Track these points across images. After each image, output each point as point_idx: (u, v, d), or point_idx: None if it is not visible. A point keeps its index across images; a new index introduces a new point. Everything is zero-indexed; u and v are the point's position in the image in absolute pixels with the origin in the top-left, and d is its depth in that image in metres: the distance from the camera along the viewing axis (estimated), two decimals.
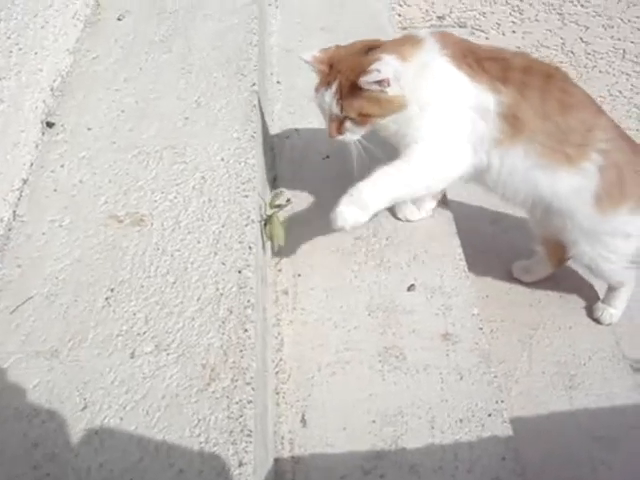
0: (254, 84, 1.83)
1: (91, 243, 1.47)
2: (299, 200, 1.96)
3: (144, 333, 1.31)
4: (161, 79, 1.88)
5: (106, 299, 1.37)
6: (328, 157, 2.08)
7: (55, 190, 1.59)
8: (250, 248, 1.44)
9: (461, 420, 1.53)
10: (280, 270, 1.80)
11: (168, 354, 1.28)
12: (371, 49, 1.68)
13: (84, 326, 1.33)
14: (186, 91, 1.83)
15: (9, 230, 1.51)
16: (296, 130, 2.16)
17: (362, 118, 1.67)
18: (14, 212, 1.54)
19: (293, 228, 1.87)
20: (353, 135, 1.71)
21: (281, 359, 1.63)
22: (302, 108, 2.25)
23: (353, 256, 1.83)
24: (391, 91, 1.62)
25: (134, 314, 1.34)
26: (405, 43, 1.70)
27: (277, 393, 1.57)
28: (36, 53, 1.73)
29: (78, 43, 2.02)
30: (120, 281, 1.40)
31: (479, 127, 1.70)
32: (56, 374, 1.27)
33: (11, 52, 1.60)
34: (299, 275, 1.79)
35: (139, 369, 1.26)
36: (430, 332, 1.69)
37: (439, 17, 3.35)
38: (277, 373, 1.60)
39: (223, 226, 1.49)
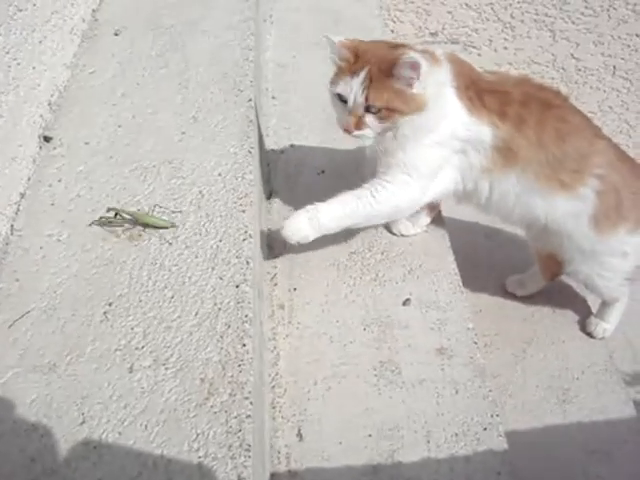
0: (250, 99, 1.84)
1: (89, 257, 1.48)
2: None
3: (142, 347, 1.32)
4: (158, 94, 1.89)
5: (104, 313, 1.37)
6: (323, 172, 2.09)
7: (52, 204, 1.59)
8: (247, 263, 1.45)
9: (457, 434, 1.54)
10: (276, 284, 1.80)
11: (166, 368, 1.28)
12: (399, 47, 1.67)
13: (82, 340, 1.34)
14: (183, 106, 1.84)
15: (7, 244, 1.51)
16: (291, 145, 2.18)
17: (386, 112, 1.62)
18: (12, 226, 1.55)
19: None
20: (371, 132, 1.66)
21: (277, 373, 1.63)
22: (297, 123, 2.26)
23: (348, 270, 1.84)
24: (417, 88, 1.60)
25: (132, 328, 1.35)
26: (426, 54, 1.68)
27: (273, 407, 1.57)
28: (34, 68, 1.74)
29: (75, 58, 2.03)
30: (118, 295, 1.40)
31: (471, 158, 1.73)
32: (54, 388, 1.27)
33: (9, 67, 1.61)
34: (295, 289, 1.80)
35: (137, 383, 1.27)
36: (425, 346, 1.70)
37: (432, 33, 3.39)
38: (273, 387, 1.60)
39: (220, 241, 1.49)
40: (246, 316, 1.35)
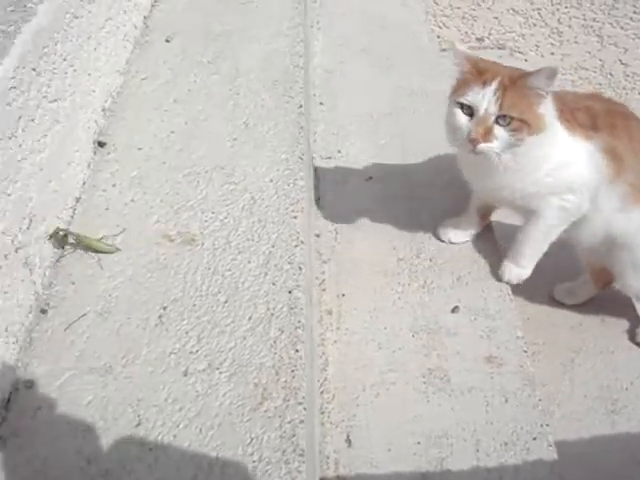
0: (301, 106, 1.86)
1: (143, 261, 1.50)
2: (343, 220, 1.97)
3: (197, 351, 1.33)
4: (210, 100, 1.91)
5: (159, 317, 1.39)
6: (371, 178, 2.10)
7: (107, 209, 1.62)
8: (300, 269, 1.46)
9: (506, 443, 1.53)
10: (324, 290, 1.81)
11: (221, 372, 1.29)
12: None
13: (137, 343, 1.36)
14: (234, 112, 1.86)
15: (62, 247, 1.54)
16: (339, 151, 2.19)
17: (517, 124, 1.57)
18: (68, 230, 1.58)
19: (337, 248, 1.89)
20: (498, 145, 1.59)
21: (326, 379, 1.64)
22: (345, 129, 2.27)
23: (397, 277, 1.84)
24: (541, 108, 1.59)
25: (186, 332, 1.36)
26: None
27: (322, 412, 1.58)
28: (89, 74, 1.77)
29: (128, 64, 2.06)
30: (172, 299, 1.42)
31: (590, 175, 1.72)
32: (110, 390, 1.29)
33: (66, 73, 1.64)
34: (343, 295, 1.80)
35: (192, 387, 1.28)
36: (474, 354, 1.69)
37: (478, 39, 3.38)
38: (322, 393, 1.61)
39: (273, 246, 1.51)
40: (299, 322, 1.36)
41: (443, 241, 1.93)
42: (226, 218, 1.58)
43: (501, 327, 1.74)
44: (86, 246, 1.53)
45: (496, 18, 3.35)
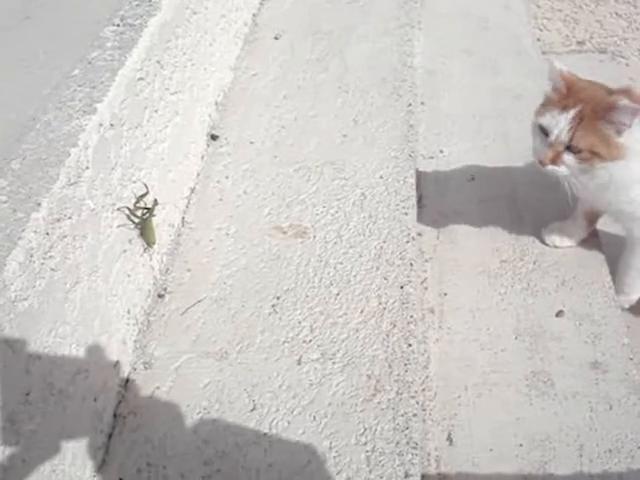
0: (410, 104, 1.87)
1: (256, 252, 1.54)
2: (445, 220, 1.97)
3: (310, 341, 1.36)
4: (319, 97, 1.94)
5: (272, 306, 1.43)
6: (473, 179, 2.09)
7: (221, 200, 1.67)
8: (411, 265, 1.47)
9: (610, 450, 1.51)
10: (426, 288, 1.81)
11: (334, 363, 1.32)
12: (617, 92, 1.61)
13: (252, 331, 1.39)
14: (343, 109, 1.89)
15: (179, 235, 1.59)
16: (441, 151, 2.18)
17: (587, 155, 1.57)
18: (183, 218, 1.63)
19: (439, 247, 1.89)
20: (566, 170, 1.60)
21: (427, 376, 1.64)
22: (447, 129, 2.26)
23: (500, 278, 1.83)
24: (624, 137, 1.55)
25: (299, 322, 1.39)
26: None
27: (424, 410, 1.58)
28: (205, 69, 1.83)
29: (238, 61, 2.11)
30: (285, 290, 1.45)
31: None
32: (226, 375, 1.33)
33: (186, 67, 1.69)
34: (445, 294, 1.80)
35: (305, 375, 1.31)
36: (579, 360, 1.66)
37: (579, 42, 3.32)
38: (424, 390, 1.61)
39: (384, 242, 1.52)
40: (411, 317, 1.37)
41: (548, 245, 1.90)
42: (337, 212, 1.60)
43: (606, 333, 1.71)
44: (146, 226, 1.45)
45: (598, 21, 3.28)
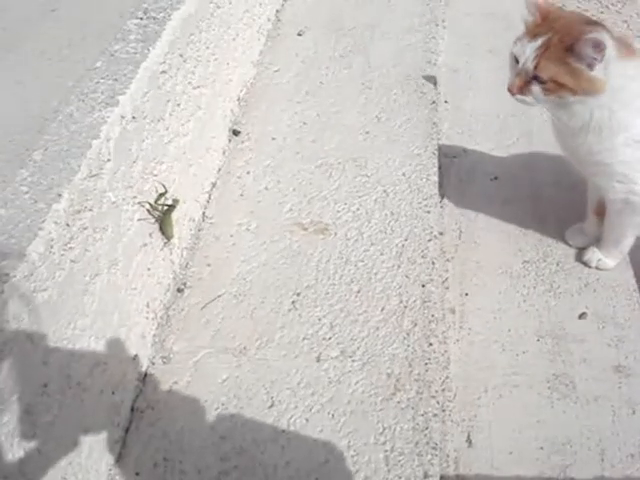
0: (434, 102, 1.86)
1: (277, 248, 1.53)
2: (467, 220, 1.95)
3: (329, 338, 1.35)
4: (342, 94, 1.93)
5: (292, 303, 1.42)
6: (496, 178, 2.07)
7: (242, 195, 1.66)
8: (433, 263, 1.45)
9: (632, 455, 1.48)
10: (447, 288, 1.79)
11: (353, 361, 1.30)
12: (591, 24, 1.56)
13: (271, 327, 1.38)
14: (366, 106, 1.87)
15: (199, 230, 1.59)
16: (464, 150, 2.16)
17: (552, 85, 1.54)
18: (203, 213, 1.62)
19: (461, 247, 1.87)
20: (534, 101, 1.59)
21: (447, 377, 1.62)
22: (470, 128, 2.24)
23: (522, 279, 1.81)
24: (597, 71, 1.50)
25: (319, 319, 1.38)
26: (626, 44, 1.57)
27: (443, 410, 1.56)
28: (228, 64, 1.82)
29: (261, 56, 2.10)
30: (305, 286, 1.44)
31: None
32: (244, 371, 1.32)
33: (208, 62, 1.68)
34: (466, 294, 1.78)
35: (325, 373, 1.30)
36: (602, 363, 1.64)
37: None
38: (443, 390, 1.59)
39: (406, 240, 1.51)
40: (432, 316, 1.36)
41: (570, 245, 1.88)
42: (359, 210, 1.59)
43: (630, 336, 1.69)
44: (165, 221, 1.43)
45: (625, 22, 3.24)
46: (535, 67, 1.53)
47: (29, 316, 0.98)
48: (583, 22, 1.57)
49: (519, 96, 1.59)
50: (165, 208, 1.40)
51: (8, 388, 0.93)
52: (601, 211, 1.85)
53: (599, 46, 1.45)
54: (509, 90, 1.61)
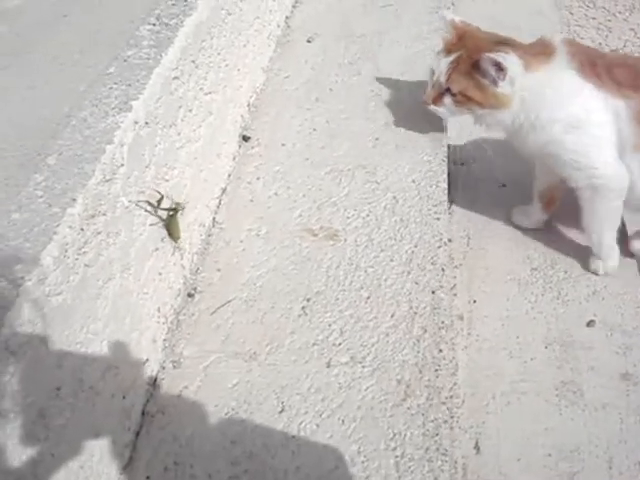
0: None
1: (287, 253, 1.53)
2: (475, 227, 1.96)
3: (339, 344, 1.35)
4: (351, 100, 1.94)
5: (302, 308, 1.42)
6: (504, 186, 2.07)
7: (251, 200, 1.66)
8: (443, 270, 1.46)
9: None
10: (455, 295, 1.79)
11: (363, 367, 1.31)
12: (504, 44, 1.68)
13: (281, 332, 1.39)
14: (375, 113, 1.88)
15: (209, 235, 1.60)
16: (472, 158, 2.17)
17: (462, 98, 1.69)
18: (214, 219, 1.63)
19: (469, 254, 1.87)
20: (446, 112, 1.75)
21: (455, 383, 1.62)
22: (477, 136, 2.25)
23: (530, 287, 1.81)
24: (502, 88, 1.63)
25: (329, 325, 1.39)
26: (537, 52, 1.68)
27: (451, 417, 1.56)
28: (238, 70, 1.83)
29: (271, 62, 2.11)
30: (315, 292, 1.45)
31: (617, 136, 1.66)
32: (254, 376, 1.33)
33: (220, 68, 1.69)
34: (474, 301, 1.79)
35: (335, 379, 1.30)
36: (609, 370, 1.64)
37: (612, 50, 3.28)
38: (451, 397, 1.59)
39: (416, 246, 1.51)
40: (442, 322, 1.36)
41: (517, 225, 1.93)
42: (368, 216, 1.59)
43: (638, 344, 1.69)
44: (172, 222, 1.41)
45: (632, 29, 3.24)
46: (447, 80, 1.69)
47: (43, 320, 0.99)
48: (493, 42, 1.70)
49: (433, 107, 1.75)
50: (170, 213, 1.40)
51: (22, 391, 0.94)
52: (549, 200, 1.90)
53: (499, 66, 1.60)
54: (424, 101, 1.76)
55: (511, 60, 1.61)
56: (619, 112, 1.64)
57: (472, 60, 1.64)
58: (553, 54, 1.67)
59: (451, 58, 1.68)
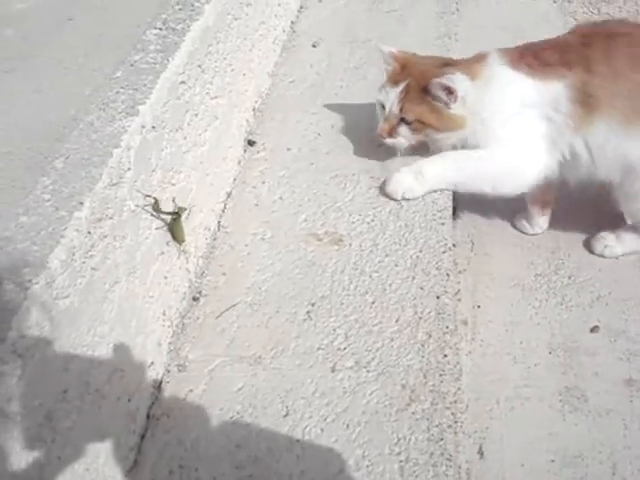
0: None
1: (292, 258, 1.54)
2: (479, 232, 1.96)
3: (344, 349, 1.35)
4: (356, 105, 1.94)
5: (307, 312, 1.42)
6: None
7: (256, 205, 1.67)
8: (447, 275, 1.46)
9: None
10: (459, 300, 1.80)
11: (368, 371, 1.31)
12: (447, 65, 1.70)
13: (286, 336, 1.39)
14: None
15: (214, 239, 1.60)
16: None
17: (418, 125, 1.68)
18: (219, 223, 1.64)
19: (473, 259, 1.87)
20: (403, 141, 1.72)
21: (459, 388, 1.62)
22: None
23: (534, 292, 1.81)
24: (455, 109, 1.65)
25: (334, 329, 1.39)
26: (474, 62, 1.71)
27: (455, 422, 1.56)
28: (244, 74, 1.84)
29: (276, 67, 2.12)
30: (320, 296, 1.45)
31: (556, 120, 1.66)
32: (259, 380, 1.33)
33: (225, 72, 1.70)
34: (478, 306, 1.79)
35: (339, 383, 1.30)
36: (613, 376, 1.64)
37: None
38: (455, 402, 1.59)
39: (420, 251, 1.52)
40: (447, 327, 1.36)
41: (521, 231, 1.94)
42: (373, 221, 1.60)
43: None
44: (175, 225, 1.40)
45: None
46: (400, 110, 1.68)
47: (50, 323, 0.99)
48: (438, 65, 1.72)
49: (389, 140, 1.73)
50: (174, 217, 1.39)
51: (29, 394, 0.94)
52: (542, 203, 1.90)
53: (448, 89, 1.62)
54: (379, 135, 1.73)
55: (459, 79, 1.63)
56: (558, 96, 1.63)
57: (421, 86, 1.65)
58: (486, 58, 1.70)
59: (400, 88, 1.68)
